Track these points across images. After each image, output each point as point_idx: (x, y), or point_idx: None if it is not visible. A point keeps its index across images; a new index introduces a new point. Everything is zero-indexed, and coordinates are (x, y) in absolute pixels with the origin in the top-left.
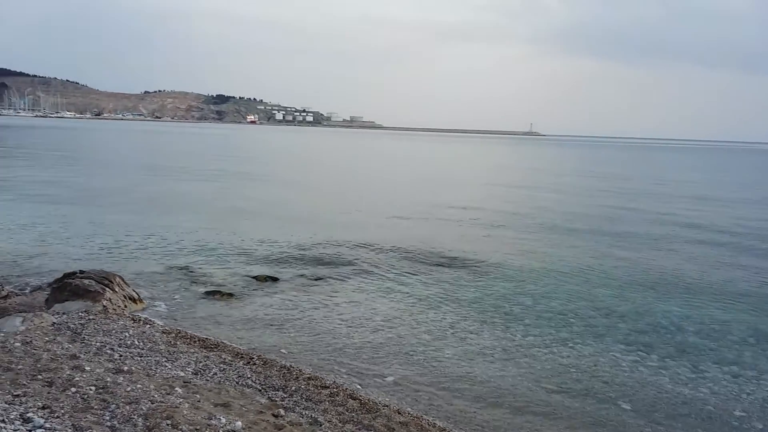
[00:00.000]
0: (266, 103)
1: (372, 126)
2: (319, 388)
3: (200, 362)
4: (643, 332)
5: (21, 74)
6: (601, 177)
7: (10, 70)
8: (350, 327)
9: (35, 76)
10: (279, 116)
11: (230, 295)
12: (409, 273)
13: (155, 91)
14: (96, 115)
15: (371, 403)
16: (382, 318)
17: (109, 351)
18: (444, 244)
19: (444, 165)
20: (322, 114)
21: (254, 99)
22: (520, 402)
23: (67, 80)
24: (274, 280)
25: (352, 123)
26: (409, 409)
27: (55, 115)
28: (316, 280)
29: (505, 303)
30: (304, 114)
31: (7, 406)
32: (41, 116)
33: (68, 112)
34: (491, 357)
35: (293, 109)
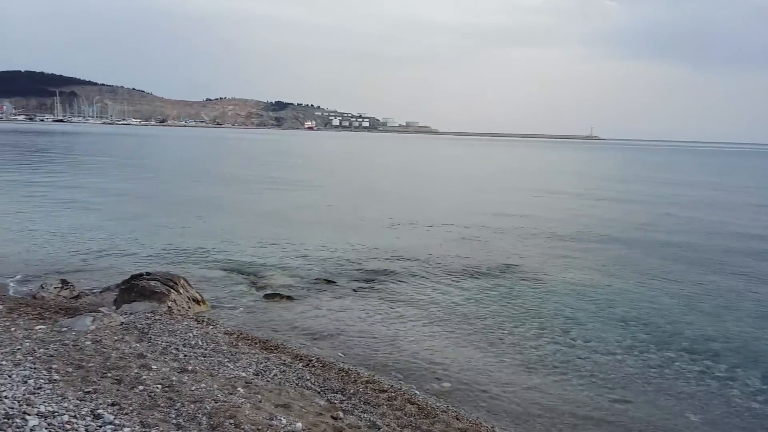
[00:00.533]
0: (323, 109)
1: (427, 131)
2: (377, 391)
3: (261, 363)
4: (711, 340)
5: (90, 83)
6: (663, 183)
7: (79, 79)
8: (407, 332)
9: (103, 84)
10: (336, 122)
11: (289, 298)
12: (466, 279)
13: (216, 99)
14: (160, 122)
15: (429, 407)
16: (439, 323)
17: (174, 351)
18: (501, 252)
19: (500, 170)
20: (377, 119)
21: (312, 105)
22: (581, 411)
23: (133, 88)
24: (332, 283)
25: (407, 128)
26: (468, 415)
27: (122, 122)
28: (372, 284)
29: (564, 311)
30: (360, 120)
31: (78, 402)
32: (108, 123)
33: (134, 120)
34: (551, 365)
35: (349, 115)
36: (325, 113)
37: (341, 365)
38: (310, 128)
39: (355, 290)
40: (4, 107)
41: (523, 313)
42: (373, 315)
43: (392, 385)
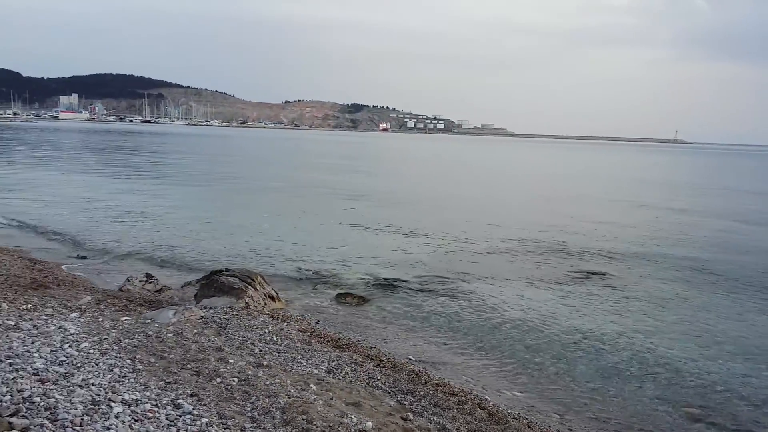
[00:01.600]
0: (398, 111)
1: (504, 133)
2: (447, 394)
3: (333, 361)
4: None
5: (176, 85)
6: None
7: (166, 82)
8: (479, 335)
9: (189, 87)
10: (410, 124)
11: (362, 298)
12: (542, 284)
13: (295, 101)
14: (241, 123)
15: (500, 413)
16: (513, 328)
17: (250, 346)
18: (579, 258)
19: (578, 175)
20: (453, 121)
21: (387, 107)
22: (656, 426)
23: (216, 91)
24: (405, 285)
25: (483, 130)
26: (540, 423)
27: (205, 123)
28: (446, 287)
29: (646, 318)
30: (435, 122)
31: (160, 391)
32: (192, 124)
33: (216, 121)
34: (627, 373)
35: (424, 117)
36: (399, 115)
37: (411, 366)
38: (385, 130)
39: (427, 292)
40: (97, 108)
41: (600, 321)
42: (444, 317)
43: (462, 389)
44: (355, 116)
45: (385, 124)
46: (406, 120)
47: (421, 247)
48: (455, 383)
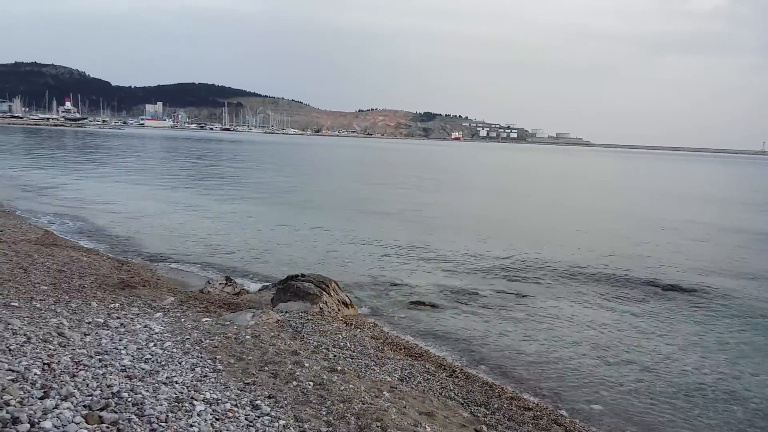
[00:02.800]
0: (471, 119)
1: (579, 143)
2: (522, 408)
3: (405, 369)
4: None
5: (254, 95)
6: None
7: (246, 91)
8: (554, 349)
9: (266, 96)
10: (483, 133)
11: (433, 306)
12: (618, 295)
13: (368, 110)
14: (315, 131)
15: (577, 430)
16: (588, 341)
17: (324, 350)
18: (658, 269)
19: (657, 187)
20: (526, 130)
21: (459, 116)
22: None
23: (292, 100)
24: (478, 294)
25: (557, 139)
26: None
27: (281, 131)
28: (518, 296)
29: (731, 337)
30: (508, 131)
31: (239, 392)
32: (269, 132)
33: (292, 129)
34: (712, 395)
35: (497, 126)
36: (472, 124)
37: (485, 378)
38: (457, 139)
39: (501, 303)
40: (179, 116)
41: (683, 337)
42: (516, 329)
43: (538, 404)
44: (427, 125)
45: (457, 133)
46: (478, 129)
47: (495, 259)
48: (530, 397)
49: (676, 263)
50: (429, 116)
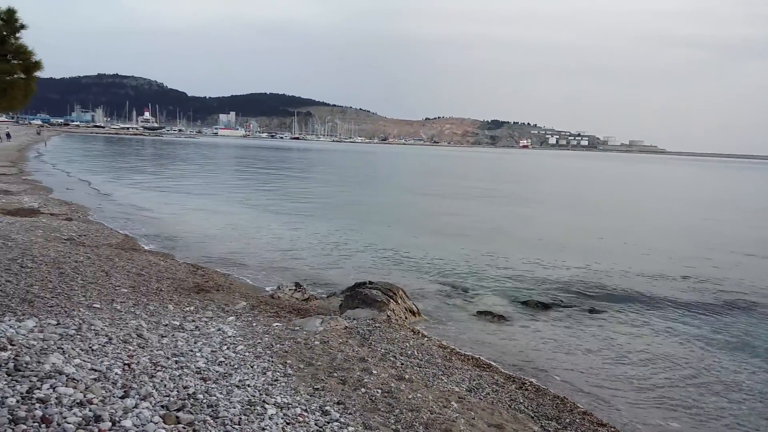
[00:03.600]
0: (539, 127)
1: (654, 151)
2: (595, 424)
3: (473, 380)
4: None
5: (323, 104)
6: None
7: (315, 101)
8: (627, 365)
9: (334, 105)
10: (552, 140)
11: (502, 317)
12: (697, 312)
13: (435, 118)
14: (382, 140)
15: None
16: (664, 359)
17: (392, 358)
18: (739, 285)
19: (746, 198)
20: (598, 138)
21: (528, 123)
22: None
23: (360, 109)
24: (547, 306)
25: (631, 147)
26: None
27: (348, 140)
28: (589, 310)
29: None
30: (579, 138)
31: (309, 397)
32: (337, 141)
33: (359, 138)
34: None
35: (567, 133)
36: (541, 131)
37: (555, 392)
38: (525, 146)
39: (572, 317)
40: (251, 125)
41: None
42: (589, 343)
43: (611, 421)
44: (494, 132)
45: (525, 141)
46: (547, 136)
47: (567, 270)
48: (603, 413)
49: (749, 280)
50: (496, 124)
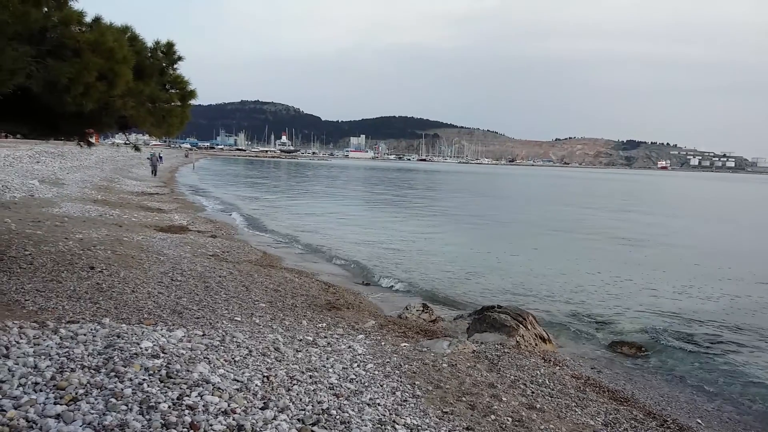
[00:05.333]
0: (680, 148)
1: None
2: None
3: (610, 414)
4: None
5: (451, 126)
6: None
7: (442, 123)
8: None
9: (462, 127)
10: (694, 162)
11: (640, 349)
12: None
13: (565, 138)
14: (510, 161)
15: None
16: None
17: (522, 386)
18: None
19: None
20: (745, 159)
21: (667, 144)
22: None
23: (487, 130)
24: (689, 338)
25: None
26: None
27: (475, 161)
28: (741, 347)
29: None
30: (724, 159)
31: (438, 420)
32: (463, 162)
33: (486, 159)
34: None
35: (711, 155)
36: (681, 152)
37: None
38: (664, 168)
39: (716, 351)
40: (380, 147)
41: None
42: (738, 383)
43: None
44: (629, 153)
45: (664, 162)
46: (688, 157)
47: (711, 300)
48: None
49: None
50: (632, 144)
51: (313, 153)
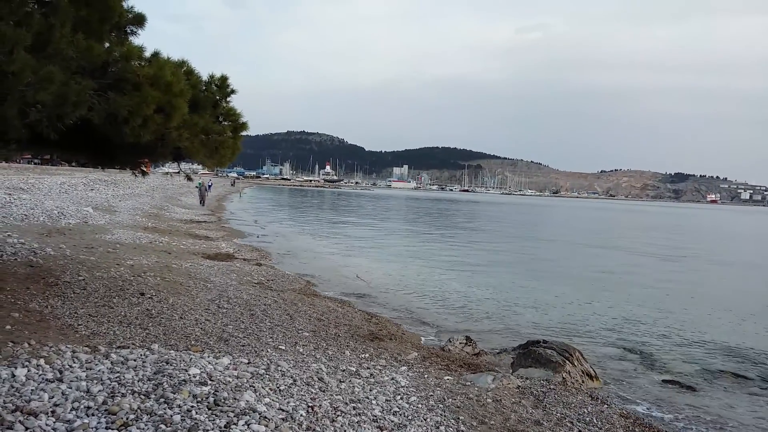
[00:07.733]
0: (730, 181)
1: None
2: None
3: None
4: None
5: (494, 157)
6: None
7: (486, 154)
8: None
9: (505, 158)
10: (745, 195)
11: (690, 387)
12: None
13: (611, 170)
14: (554, 192)
15: None
16: None
17: (568, 424)
18: None
19: None
20: None
21: (717, 177)
22: None
23: (531, 161)
24: (741, 378)
25: None
26: None
27: (518, 192)
28: None
29: None
30: None
31: None
32: (506, 193)
33: (529, 190)
34: None
35: (762, 188)
36: (732, 185)
37: None
38: (714, 201)
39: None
40: (422, 178)
41: None
42: None
43: None
44: (677, 186)
45: (713, 195)
46: (739, 191)
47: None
48: None
49: None
50: (680, 177)
51: (356, 183)
